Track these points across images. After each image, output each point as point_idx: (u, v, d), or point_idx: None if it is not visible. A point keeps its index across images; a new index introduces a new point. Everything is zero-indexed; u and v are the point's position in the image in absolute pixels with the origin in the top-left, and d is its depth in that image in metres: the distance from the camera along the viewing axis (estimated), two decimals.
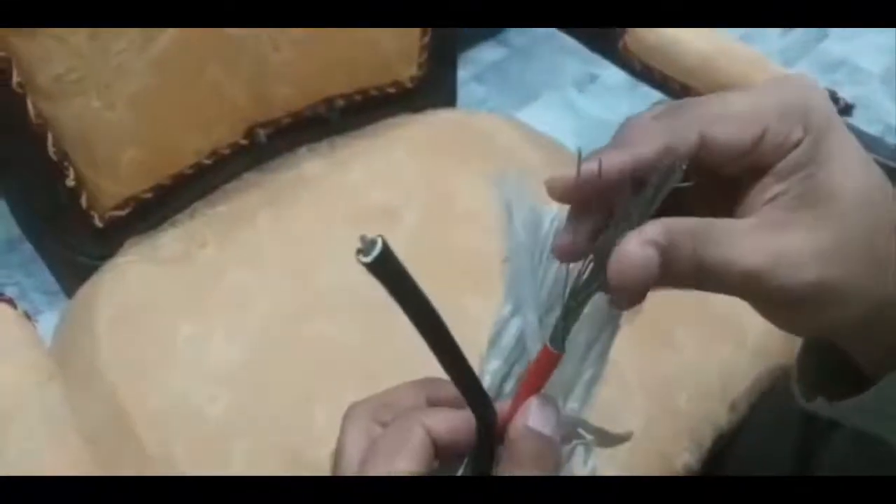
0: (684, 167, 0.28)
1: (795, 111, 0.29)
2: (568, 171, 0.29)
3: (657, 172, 0.28)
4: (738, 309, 0.71)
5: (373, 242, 0.23)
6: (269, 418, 0.64)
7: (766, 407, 0.65)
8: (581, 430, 0.33)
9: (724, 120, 0.29)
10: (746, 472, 0.58)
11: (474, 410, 0.30)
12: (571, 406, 0.33)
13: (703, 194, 0.31)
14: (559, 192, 0.29)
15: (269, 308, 0.70)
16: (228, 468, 0.61)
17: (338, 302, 0.70)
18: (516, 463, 0.30)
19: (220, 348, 0.68)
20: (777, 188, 0.29)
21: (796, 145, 0.29)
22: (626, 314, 0.31)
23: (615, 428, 0.34)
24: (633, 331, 0.34)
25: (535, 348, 0.33)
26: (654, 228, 0.27)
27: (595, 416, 0.34)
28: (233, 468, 0.61)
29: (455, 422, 0.31)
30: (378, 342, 0.66)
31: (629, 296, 0.28)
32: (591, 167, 0.28)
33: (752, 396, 0.68)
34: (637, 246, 0.27)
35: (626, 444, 0.34)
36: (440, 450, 0.31)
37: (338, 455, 0.32)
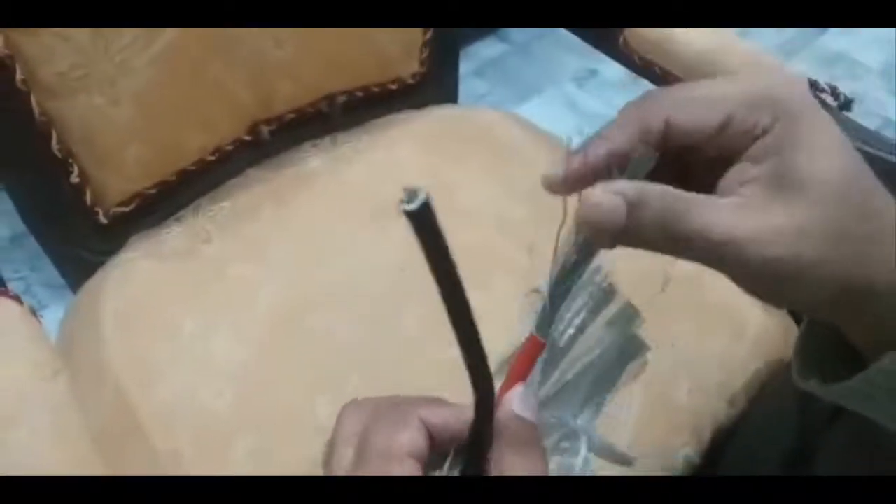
0: (657, 155, 0.29)
1: (762, 100, 0.30)
2: (557, 168, 0.31)
3: (631, 161, 0.30)
4: (736, 301, 0.71)
5: (415, 192, 0.22)
6: (275, 412, 0.64)
7: (765, 401, 0.66)
8: (587, 439, 0.33)
9: (688, 104, 0.30)
10: (746, 466, 0.59)
11: (474, 385, 0.29)
12: (582, 415, 0.33)
13: (677, 181, 0.31)
14: (553, 187, 0.31)
15: (273, 303, 0.71)
16: (234, 462, 0.62)
17: (342, 296, 0.70)
18: (511, 446, 0.30)
19: (225, 343, 0.68)
20: (753, 171, 0.30)
21: (765, 131, 0.30)
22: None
23: (619, 441, 0.34)
24: None
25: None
26: (626, 184, 0.29)
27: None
28: (238, 462, 0.62)
29: (447, 416, 0.31)
30: (382, 336, 0.66)
31: (596, 237, 0.30)
32: (577, 160, 0.30)
33: (751, 390, 0.68)
34: (601, 192, 0.29)
35: (626, 440, 0.35)
36: (434, 443, 0.31)
37: (330, 442, 0.32)
